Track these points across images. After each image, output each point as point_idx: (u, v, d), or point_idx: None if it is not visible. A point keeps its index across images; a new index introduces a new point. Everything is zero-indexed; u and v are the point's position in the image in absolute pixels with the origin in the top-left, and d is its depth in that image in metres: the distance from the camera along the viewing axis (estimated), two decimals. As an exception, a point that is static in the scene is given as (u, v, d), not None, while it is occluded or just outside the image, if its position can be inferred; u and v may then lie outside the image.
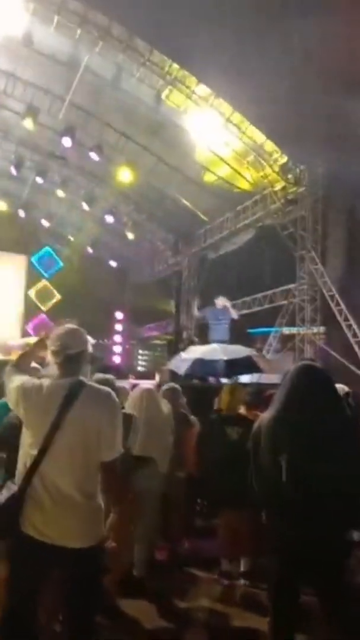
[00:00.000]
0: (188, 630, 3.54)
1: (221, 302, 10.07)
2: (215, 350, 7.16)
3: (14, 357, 2.74)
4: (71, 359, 2.39)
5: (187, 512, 4.88)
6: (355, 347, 10.98)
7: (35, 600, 2.37)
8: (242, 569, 4.21)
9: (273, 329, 13.14)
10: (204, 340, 9.75)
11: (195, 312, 11.13)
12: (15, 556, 2.33)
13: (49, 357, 2.46)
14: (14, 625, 2.27)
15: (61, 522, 2.22)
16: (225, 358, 6.63)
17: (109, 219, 15.82)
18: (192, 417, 5.06)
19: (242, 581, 4.14)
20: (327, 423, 2.47)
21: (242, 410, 4.40)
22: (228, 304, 10.16)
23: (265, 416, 2.66)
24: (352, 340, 11.10)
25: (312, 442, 2.42)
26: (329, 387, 2.65)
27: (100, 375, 3.73)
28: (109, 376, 3.86)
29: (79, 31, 10.34)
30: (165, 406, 4.44)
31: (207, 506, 4.54)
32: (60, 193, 15.25)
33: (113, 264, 19.05)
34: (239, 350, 7.44)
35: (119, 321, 19.65)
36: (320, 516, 2.38)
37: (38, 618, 2.42)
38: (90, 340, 2.57)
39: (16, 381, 2.43)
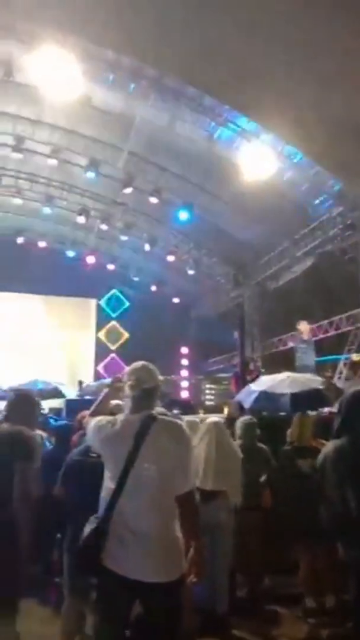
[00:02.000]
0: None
1: (303, 326, 9.87)
2: (282, 382, 7.02)
3: None
4: (146, 393, 2.47)
5: (266, 547, 4.81)
6: None
7: (122, 636, 2.39)
8: (327, 605, 4.08)
9: (342, 356, 12.82)
10: (274, 370, 9.68)
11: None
12: (101, 592, 2.37)
13: (125, 391, 2.55)
14: None
15: (141, 556, 2.24)
16: (291, 391, 6.49)
17: (170, 257, 16.29)
18: (265, 448, 5.04)
19: (326, 619, 4.01)
20: None
21: (313, 441, 4.34)
22: (302, 327, 9.98)
23: (329, 447, 2.67)
24: None
25: None
26: None
27: (160, 410, 3.86)
28: (171, 412, 3.95)
29: (132, 85, 11.01)
30: (235, 439, 4.45)
31: (286, 541, 4.45)
32: (123, 237, 15.95)
33: (176, 300, 19.45)
34: (309, 382, 7.27)
35: (184, 356, 19.88)
36: None
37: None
38: (160, 377, 2.67)
39: (92, 422, 2.55)
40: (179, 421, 2.58)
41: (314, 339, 13.16)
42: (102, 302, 20.04)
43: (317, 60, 8.67)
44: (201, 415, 8.21)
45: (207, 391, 20.56)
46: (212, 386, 20.36)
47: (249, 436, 4.69)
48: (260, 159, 11.62)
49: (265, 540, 4.68)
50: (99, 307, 20.07)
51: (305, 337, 9.89)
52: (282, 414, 7.56)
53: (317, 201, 12.40)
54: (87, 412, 4.35)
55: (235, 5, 8.08)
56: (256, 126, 11.52)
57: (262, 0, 7.88)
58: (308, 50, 8.58)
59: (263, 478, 4.60)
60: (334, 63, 8.66)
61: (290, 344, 14.69)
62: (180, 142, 12.08)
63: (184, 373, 19.66)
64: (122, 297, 20.09)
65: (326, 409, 7.06)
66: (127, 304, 19.97)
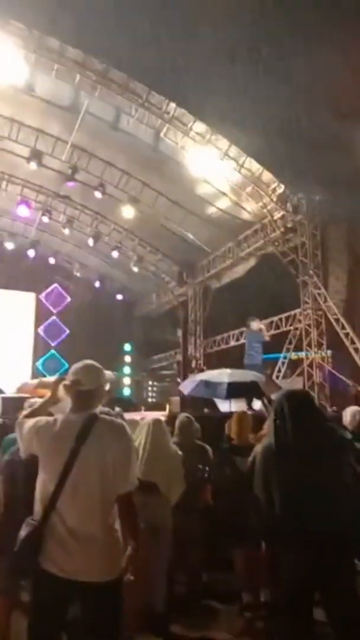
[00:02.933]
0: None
1: (256, 324, 10.00)
2: (222, 374, 7.26)
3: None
4: (88, 393, 2.44)
5: (204, 544, 4.86)
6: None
7: (56, 636, 2.38)
8: (262, 599, 4.17)
9: (281, 355, 13.19)
10: (216, 368, 9.83)
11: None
12: (36, 593, 2.34)
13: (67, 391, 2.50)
14: None
15: (80, 556, 2.23)
16: (229, 380, 6.70)
17: (114, 254, 16.14)
18: (205, 447, 5.09)
19: (260, 613, 4.10)
20: (314, 447, 2.53)
21: (251, 438, 4.41)
22: (262, 325, 10.13)
23: (258, 447, 2.73)
24: (359, 362, 11.13)
25: (301, 469, 2.48)
26: (313, 411, 2.71)
27: (104, 410, 3.81)
28: (114, 410, 3.91)
29: (78, 77, 10.80)
30: (173, 436, 4.44)
31: (224, 538, 4.52)
32: (66, 231, 15.62)
33: (120, 297, 19.31)
34: (246, 375, 7.50)
35: (127, 353, 19.77)
36: (319, 541, 2.43)
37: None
38: (110, 375, 2.61)
39: (30, 422, 2.46)
40: (121, 421, 2.55)
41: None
42: (42, 297, 19.52)
43: (263, 62, 8.86)
44: (143, 412, 8.20)
45: (150, 388, 20.61)
46: (155, 383, 20.42)
47: (186, 434, 4.69)
48: (205, 159, 11.75)
49: (203, 538, 4.74)
50: (38, 301, 19.54)
51: (267, 338, 10.11)
52: (225, 412, 7.72)
53: (260, 203, 12.67)
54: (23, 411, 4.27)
55: (181, 3, 8.11)
56: (202, 126, 11.63)
57: (208, 5, 7.96)
58: (252, 52, 8.75)
59: (201, 476, 4.64)
60: (278, 65, 8.87)
61: (233, 343, 14.97)
62: (125, 138, 11.97)
63: (127, 370, 19.56)
64: (63, 291, 19.67)
65: (258, 405, 7.26)
66: (68, 299, 19.57)
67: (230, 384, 6.57)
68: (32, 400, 3.67)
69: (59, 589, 2.25)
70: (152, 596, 4.00)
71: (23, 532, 2.31)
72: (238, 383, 6.67)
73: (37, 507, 2.34)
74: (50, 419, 2.45)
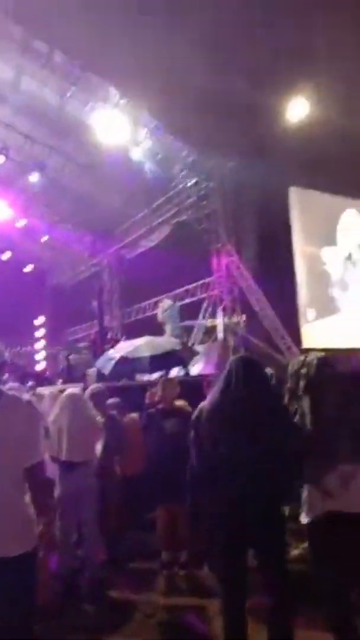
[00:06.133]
0: (135, 621, 3.62)
1: (166, 304, 10.38)
2: (140, 347, 7.21)
3: None
4: None
5: (128, 508, 4.94)
6: (273, 334, 11.52)
7: None
8: (181, 559, 4.34)
9: (197, 322, 13.44)
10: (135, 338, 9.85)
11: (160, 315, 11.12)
12: None
13: None
14: None
15: None
16: (149, 354, 6.71)
17: (21, 223, 15.39)
18: (132, 416, 5.12)
19: (182, 571, 4.28)
20: (260, 410, 2.69)
21: (178, 402, 4.50)
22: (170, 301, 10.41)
23: (205, 405, 2.83)
24: (270, 327, 11.63)
25: (248, 427, 2.63)
26: (263, 377, 2.90)
27: (14, 385, 3.70)
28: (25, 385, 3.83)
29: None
30: (92, 409, 4.44)
31: (146, 500, 4.62)
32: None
33: (29, 268, 18.55)
34: (166, 344, 7.54)
35: (40, 326, 19.18)
36: (256, 494, 2.58)
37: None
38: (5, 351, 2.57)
39: None
40: (26, 396, 2.49)
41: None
42: None
43: (172, 26, 8.67)
44: (59, 386, 8.05)
45: (66, 361, 20.18)
46: (72, 356, 20.01)
47: (99, 405, 4.69)
48: (115, 124, 11.40)
49: (126, 502, 4.82)
50: None
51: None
52: (142, 378, 7.77)
53: (173, 171, 12.59)
54: None
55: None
56: (112, 90, 11.23)
57: None
58: (162, 16, 8.53)
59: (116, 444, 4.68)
60: (188, 29, 8.73)
61: (149, 312, 15.00)
62: (28, 100, 11.30)
63: (41, 344, 19.01)
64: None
65: (190, 370, 7.34)
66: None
67: (152, 357, 6.58)
68: None
69: None
70: (79, 565, 4.05)
71: None
72: (159, 355, 6.70)
73: None
74: None
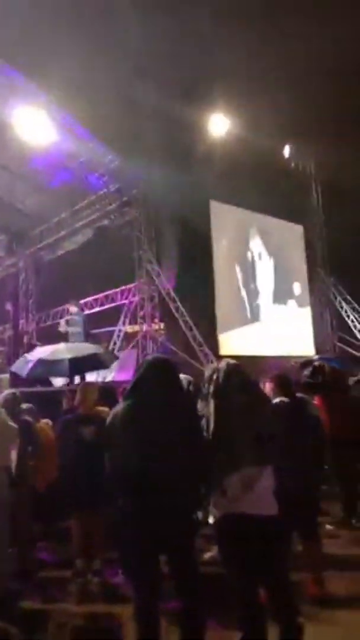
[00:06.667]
0: (49, 631, 3.54)
1: (73, 307, 10.26)
2: (59, 350, 7.06)
3: None
4: None
5: (39, 517, 4.83)
6: (192, 341, 11.77)
7: None
8: (94, 567, 4.30)
9: (116, 328, 13.40)
10: (50, 343, 9.64)
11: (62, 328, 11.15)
12: None
13: None
14: None
15: None
16: (69, 357, 6.57)
17: None
18: (44, 421, 5.00)
19: (95, 579, 4.25)
20: (171, 413, 2.73)
21: (99, 408, 4.45)
22: (75, 308, 10.36)
23: (118, 410, 2.83)
24: (188, 334, 11.86)
25: (159, 430, 2.66)
26: (174, 378, 2.94)
27: None
28: None
29: None
30: (4, 415, 4.30)
31: (60, 509, 4.54)
32: None
33: None
34: (85, 348, 7.44)
35: None
36: (169, 500, 2.62)
37: None
38: None
39: None
40: None
41: (87, 312, 13.45)
42: None
43: (109, 37, 8.67)
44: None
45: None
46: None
47: (10, 411, 4.54)
48: (38, 124, 11.13)
49: (38, 511, 4.71)
50: None
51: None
52: (60, 386, 7.61)
53: (96, 175, 12.50)
54: None
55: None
56: (34, 88, 10.96)
57: None
58: (97, 18, 8.51)
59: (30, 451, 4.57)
60: (124, 42, 8.78)
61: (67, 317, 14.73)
62: None
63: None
64: None
65: (106, 377, 7.28)
66: None
67: (71, 360, 6.44)
68: None
69: None
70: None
71: None
72: (79, 358, 6.57)
73: None
74: None
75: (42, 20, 8.41)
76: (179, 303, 12.12)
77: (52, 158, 12.27)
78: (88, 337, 10.84)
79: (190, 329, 11.92)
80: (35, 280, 15.90)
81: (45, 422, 5.10)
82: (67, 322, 11.11)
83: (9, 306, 13.70)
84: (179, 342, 12.27)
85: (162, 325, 12.77)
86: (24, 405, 4.96)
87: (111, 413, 2.88)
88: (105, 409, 4.32)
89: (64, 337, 10.80)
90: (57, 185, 13.05)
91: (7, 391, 4.99)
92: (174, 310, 12.14)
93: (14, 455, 4.26)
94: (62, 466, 4.36)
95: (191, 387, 4.85)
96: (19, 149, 11.82)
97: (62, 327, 11.15)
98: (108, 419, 2.87)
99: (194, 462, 2.67)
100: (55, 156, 12.20)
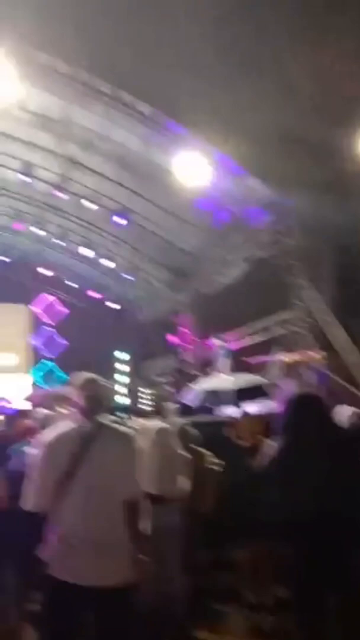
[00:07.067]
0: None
1: (218, 341, 10.68)
2: (225, 381, 7.31)
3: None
4: (93, 402, 2.52)
5: (208, 546, 4.93)
6: (354, 370, 11.17)
7: None
8: (266, 601, 4.24)
9: (274, 358, 13.30)
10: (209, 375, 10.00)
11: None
12: (50, 603, 2.40)
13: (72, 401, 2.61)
14: None
15: (86, 562, 2.27)
16: (234, 387, 6.76)
17: (107, 262, 16.24)
18: (207, 452, 5.16)
19: (268, 615, 4.17)
20: (325, 450, 2.65)
21: (260, 440, 4.47)
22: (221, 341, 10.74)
23: (271, 445, 2.85)
24: (349, 362, 11.29)
25: (311, 468, 2.60)
26: (323, 414, 2.84)
27: (111, 418, 3.88)
28: (123, 415, 3.99)
29: (67, 90, 10.92)
30: (178, 444, 4.53)
31: (229, 538, 4.59)
32: (58, 242, 15.71)
33: (113, 305, 19.37)
34: (249, 379, 7.58)
35: (122, 361, 19.82)
36: (328, 535, 2.53)
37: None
38: (106, 383, 2.73)
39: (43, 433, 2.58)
40: (125, 428, 2.64)
41: (245, 343, 13.62)
42: (36, 308, 19.60)
43: (250, 69, 9.00)
44: (140, 420, 8.24)
45: (146, 395, 20.58)
46: (151, 391, 20.39)
47: (184, 440, 4.73)
48: (194, 166, 11.86)
49: (207, 540, 4.81)
50: (33, 313, 19.59)
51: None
52: (222, 416, 7.81)
53: (250, 209, 12.81)
54: (26, 421, 4.33)
55: (167, 13, 8.24)
56: (190, 133, 11.75)
57: (194, 8, 8.07)
58: (242, 59, 8.89)
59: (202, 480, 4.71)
60: (266, 72, 9.02)
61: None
62: (115, 148, 12.11)
63: (123, 378, 19.60)
64: (57, 301, 19.79)
65: (266, 406, 7.32)
66: (63, 309, 19.66)
67: (236, 390, 6.63)
68: (41, 411, 3.77)
69: (69, 595, 2.28)
70: (169, 602, 4.05)
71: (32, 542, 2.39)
72: (243, 388, 6.74)
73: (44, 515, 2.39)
74: (56, 427, 2.55)
75: (191, 67, 9.00)
76: (340, 331, 11.65)
77: (210, 198, 12.93)
78: (239, 369, 11.03)
79: (353, 358, 11.33)
80: (196, 314, 16.65)
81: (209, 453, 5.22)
82: (215, 356, 11.46)
83: (173, 339, 14.50)
84: (340, 371, 11.72)
85: (320, 353, 12.36)
86: (192, 434, 5.17)
87: (265, 450, 2.88)
88: (269, 441, 4.32)
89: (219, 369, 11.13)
90: (216, 225, 13.66)
91: (178, 420, 5.23)
92: (335, 339, 11.68)
93: (185, 484, 4.44)
94: (234, 496, 4.42)
95: (356, 420, 4.61)
96: (176, 190, 12.69)
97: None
98: (263, 456, 2.85)
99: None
100: (213, 196, 12.82)
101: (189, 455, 4.44)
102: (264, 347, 13.77)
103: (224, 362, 10.53)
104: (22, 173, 12.61)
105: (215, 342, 10.84)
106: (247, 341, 14.01)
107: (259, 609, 4.17)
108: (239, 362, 12.69)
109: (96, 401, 2.55)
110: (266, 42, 8.69)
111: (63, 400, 2.83)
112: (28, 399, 10.38)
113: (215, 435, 5.45)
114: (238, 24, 8.12)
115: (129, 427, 4.91)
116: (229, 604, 4.44)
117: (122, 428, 2.64)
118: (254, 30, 8.31)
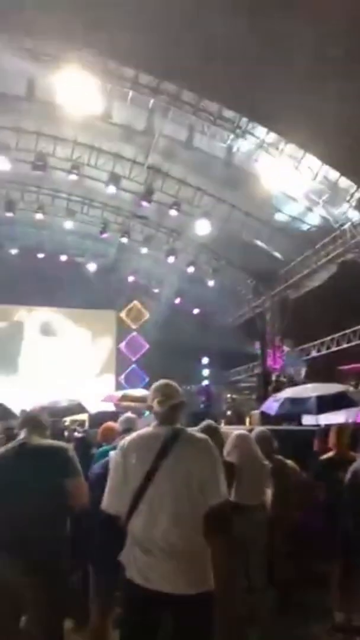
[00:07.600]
0: None
1: (286, 347, 10.41)
2: (306, 389, 7.07)
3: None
4: (172, 409, 2.49)
5: (293, 560, 4.76)
6: None
7: None
8: (354, 622, 4.00)
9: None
10: (292, 380, 9.72)
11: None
12: (128, 607, 2.38)
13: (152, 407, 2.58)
14: None
15: (166, 568, 2.25)
16: (316, 394, 6.48)
17: (190, 268, 16.38)
18: (289, 462, 4.99)
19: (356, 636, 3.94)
20: None
21: (350, 453, 4.23)
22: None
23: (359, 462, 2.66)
24: None
25: None
26: None
27: (205, 423, 3.87)
28: (212, 422, 3.98)
29: (152, 101, 11.19)
30: (260, 452, 4.41)
31: (315, 553, 4.38)
32: (143, 249, 16.12)
33: (197, 311, 19.51)
34: (332, 387, 7.26)
35: (205, 366, 19.86)
36: None
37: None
38: (186, 389, 2.70)
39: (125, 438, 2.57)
40: (203, 435, 2.59)
41: (334, 348, 13.10)
42: (123, 314, 20.27)
43: (334, 69, 8.69)
44: (223, 426, 8.19)
45: (228, 402, 20.47)
46: (234, 396, 20.27)
47: (265, 448, 4.59)
48: (279, 169, 11.65)
49: (292, 553, 4.63)
50: (119, 318, 20.29)
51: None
52: (306, 425, 7.53)
53: (337, 210, 12.34)
54: (110, 424, 4.43)
55: (252, 16, 8.14)
56: (275, 137, 11.56)
57: (281, 11, 7.92)
58: (327, 60, 8.60)
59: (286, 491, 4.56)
60: (349, 72, 8.67)
61: (314, 354, 14.60)
62: (199, 155, 12.20)
63: (205, 383, 19.64)
64: (142, 308, 20.29)
65: (352, 416, 6.97)
66: (147, 315, 20.14)
67: (319, 398, 6.35)
68: (126, 415, 3.85)
69: (147, 600, 2.27)
70: (249, 613, 3.96)
71: (113, 546, 2.37)
72: (326, 396, 6.44)
73: (122, 519, 2.37)
74: (138, 432, 2.55)
75: (272, 64, 8.83)
76: None
77: (294, 198, 12.64)
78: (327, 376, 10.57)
79: None
80: (281, 319, 16.30)
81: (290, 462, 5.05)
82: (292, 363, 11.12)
83: (257, 345, 14.30)
84: None
85: None
86: (273, 442, 5.02)
87: (352, 466, 2.69)
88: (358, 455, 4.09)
89: (313, 374, 10.75)
90: (304, 229, 13.32)
91: (260, 429, 5.12)
92: None
93: (269, 494, 4.32)
94: (313, 509, 4.25)
95: None
96: (261, 194, 12.52)
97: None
98: (349, 473, 2.68)
99: None
100: (297, 195, 12.52)
101: (269, 464, 4.31)
102: (356, 353, 13.17)
103: (298, 369, 10.22)
104: (108, 184, 13.07)
105: (288, 349, 10.59)
106: (336, 347, 13.48)
107: (345, 629, 3.94)
108: (328, 369, 12.22)
109: (174, 407, 2.54)
110: (347, 44, 8.36)
111: (141, 403, 2.84)
112: (107, 399, 10.71)
113: (297, 444, 5.26)
114: (325, 27, 7.86)
115: (219, 432, 4.87)
116: (314, 621, 4.24)
117: (200, 435, 2.58)
118: (343, 33, 7.99)
